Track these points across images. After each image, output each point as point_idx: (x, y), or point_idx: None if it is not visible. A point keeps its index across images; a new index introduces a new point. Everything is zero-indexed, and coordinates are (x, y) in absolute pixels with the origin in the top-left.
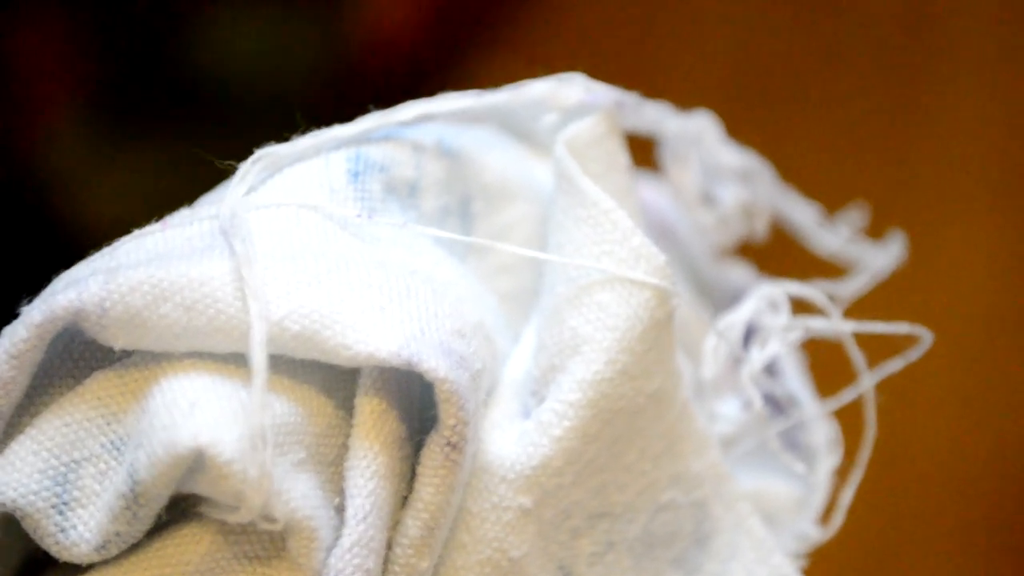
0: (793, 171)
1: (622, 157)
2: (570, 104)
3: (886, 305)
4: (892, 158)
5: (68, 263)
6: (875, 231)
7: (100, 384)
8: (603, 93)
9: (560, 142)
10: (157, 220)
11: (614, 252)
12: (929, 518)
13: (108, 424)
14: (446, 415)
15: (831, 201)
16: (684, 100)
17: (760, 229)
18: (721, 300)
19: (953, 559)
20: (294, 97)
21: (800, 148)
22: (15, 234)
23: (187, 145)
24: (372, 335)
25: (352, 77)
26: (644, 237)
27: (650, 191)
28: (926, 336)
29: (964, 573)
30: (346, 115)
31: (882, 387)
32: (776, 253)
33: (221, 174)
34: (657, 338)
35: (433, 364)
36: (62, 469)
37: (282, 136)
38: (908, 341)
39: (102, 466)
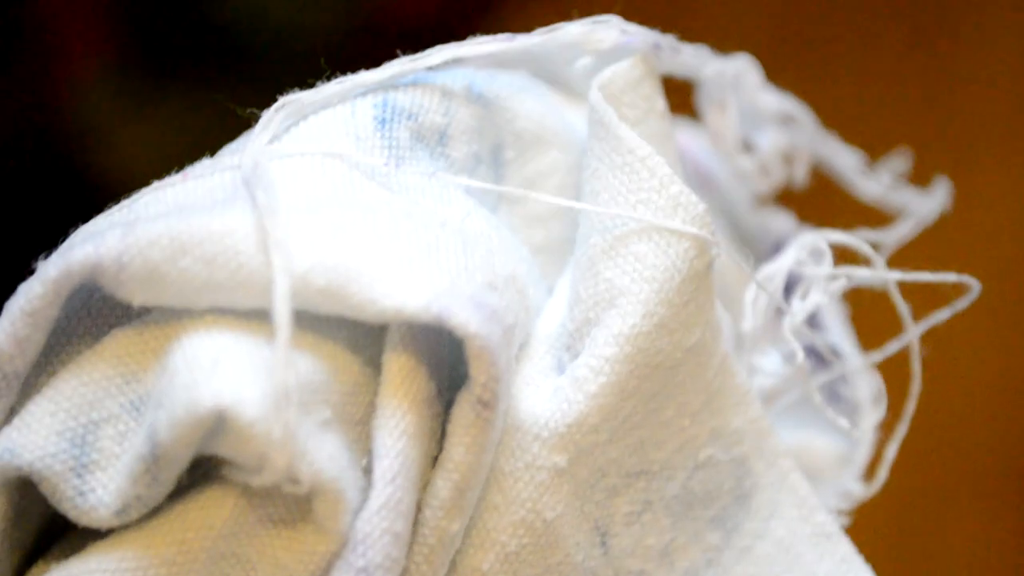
0: (830, 115)
1: (659, 101)
2: (605, 47)
3: (924, 253)
4: (929, 101)
5: (96, 214)
6: (915, 176)
7: (119, 342)
8: (639, 35)
9: (595, 87)
10: (179, 170)
11: (651, 200)
12: (967, 473)
13: (127, 383)
14: (477, 372)
15: (869, 145)
16: (722, 43)
17: (800, 175)
18: (762, 249)
19: (993, 512)
20: (320, 45)
21: (839, 92)
22: (44, 185)
23: (214, 95)
24: (400, 289)
25: (379, 23)
26: (682, 185)
27: (688, 137)
28: (974, 285)
29: (1005, 526)
30: (373, 62)
31: (925, 338)
32: (818, 200)
33: (248, 124)
34: (696, 290)
35: (464, 319)
36: (80, 431)
37: (308, 84)
38: (952, 291)
39: (121, 427)
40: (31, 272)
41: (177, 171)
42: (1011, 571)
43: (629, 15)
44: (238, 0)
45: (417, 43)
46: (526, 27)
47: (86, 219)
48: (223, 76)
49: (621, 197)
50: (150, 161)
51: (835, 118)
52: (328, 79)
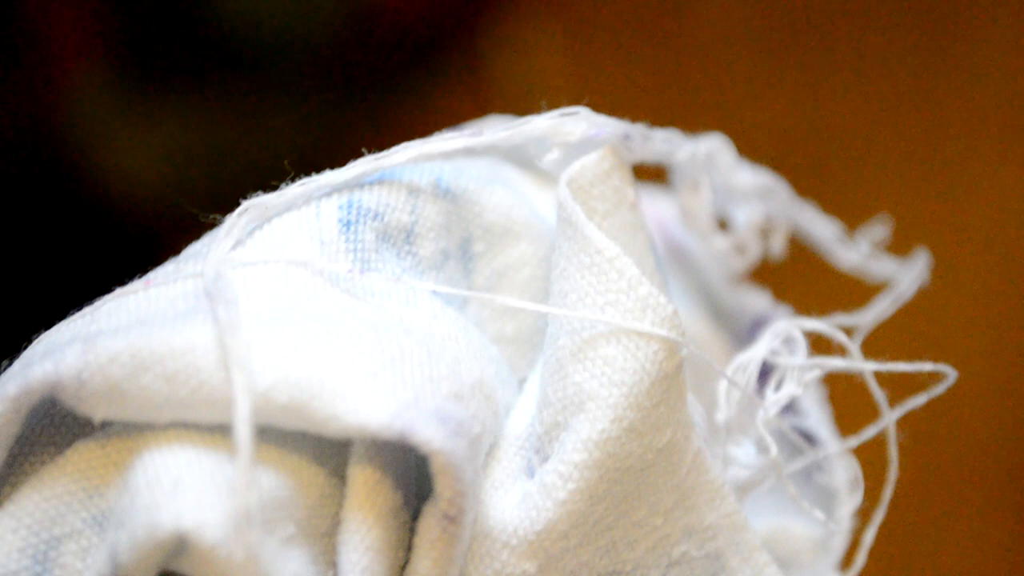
0: (824, 116)
1: (629, 192)
2: (573, 139)
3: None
4: (925, 102)
5: (91, 217)
6: (909, 170)
7: (81, 455)
8: (608, 126)
9: (563, 182)
10: (173, 177)
11: (619, 302)
12: (967, 466)
13: (90, 498)
14: (442, 487)
15: (860, 148)
16: (710, 45)
17: (779, 248)
18: (739, 326)
19: (993, 506)
20: (315, 51)
21: (833, 95)
22: (39, 188)
23: (211, 99)
24: (362, 405)
25: (374, 29)
26: (651, 286)
27: (663, 211)
28: (950, 373)
29: (1005, 519)
30: (367, 69)
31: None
32: (798, 268)
33: (245, 131)
34: (666, 391)
35: (427, 435)
36: (42, 547)
37: (303, 90)
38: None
39: (84, 543)
40: (23, 278)
41: (173, 175)
42: (1010, 565)
43: (618, 26)
44: (233, 5)
45: (411, 49)
46: (516, 32)
47: (79, 223)
48: (218, 81)
49: (589, 298)
50: (145, 166)
51: (825, 118)
52: (293, 180)
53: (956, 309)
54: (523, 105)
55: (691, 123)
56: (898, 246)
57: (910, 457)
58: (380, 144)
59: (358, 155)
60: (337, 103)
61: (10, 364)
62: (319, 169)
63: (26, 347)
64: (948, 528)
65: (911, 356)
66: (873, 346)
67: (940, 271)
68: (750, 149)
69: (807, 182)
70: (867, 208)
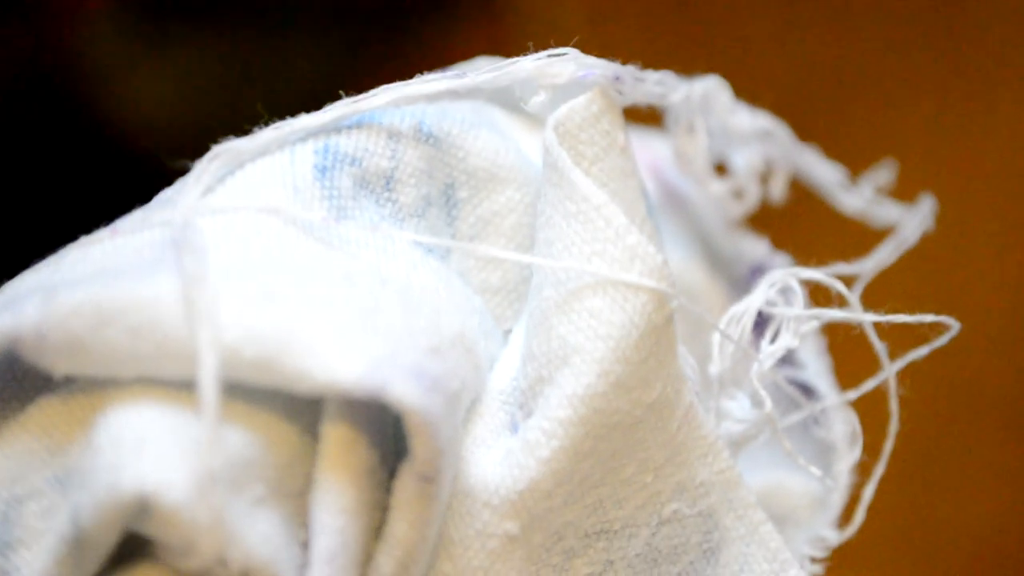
0: (835, 56)
1: (620, 136)
2: (561, 81)
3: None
4: (938, 42)
5: (105, 156)
6: (920, 112)
7: (43, 411)
8: (598, 67)
9: (549, 127)
10: (185, 112)
11: (606, 252)
12: (989, 402)
13: (52, 456)
14: (418, 447)
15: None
16: None
17: (779, 192)
18: (738, 272)
19: (1017, 441)
20: None
21: (844, 35)
22: (50, 125)
23: (225, 33)
24: (334, 361)
25: None
26: (639, 235)
27: (659, 155)
28: (953, 325)
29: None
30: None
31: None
32: (799, 213)
33: (259, 65)
34: (655, 345)
35: (402, 392)
36: (2, 507)
37: (318, 25)
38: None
39: (45, 503)
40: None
41: (187, 114)
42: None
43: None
44: None
45: None
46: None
47: (90, 159)
48: (232, 14)
49: (575, 248)
50: (156, 102)
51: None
52: (266, 124)
53: (966, 256)
54: (539, 45)
55: (701, 60)
56: (909, 191)
57: (918, 407)
58: (395, 79)
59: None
60: (352, 37)
61: None
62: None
63: None
64: (956, 481)
65: (920, 305)
66: (879, 294)
67: (952, 218)
68: (760, 91)
69: (816, 125)
70: (877, 152)
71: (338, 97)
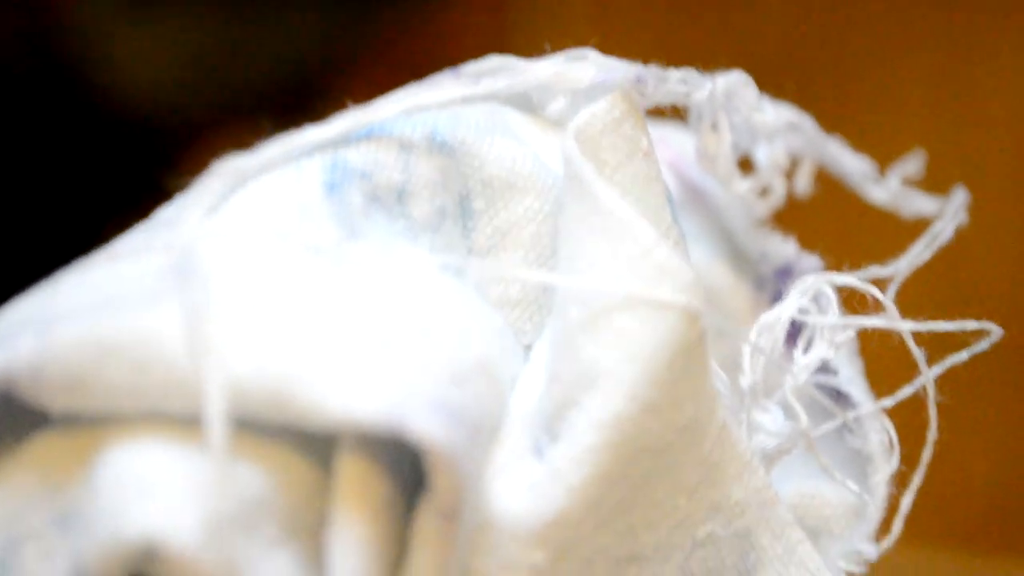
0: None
1: (643, 140)
2: (581, 86)
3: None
4: (952, 27)
5: (97, 124)
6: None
7: (42, 448)
8: (619, 70)
9: (569, 135)
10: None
11: (634, 268)
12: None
13: (52, 496)
14: (439, 483)
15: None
16: None
17: (804, 186)
18: (764, 272)
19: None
20: None
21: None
22: (42, 92)
23: (215, 9)
24: (350, 395)
25: None
26: (669, 250)
27: (682, 152)
28: (995, 331)
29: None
30: None
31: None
32: (826, 208)
33: (256, 32)
34: (687, 364)
35: (422, 428)
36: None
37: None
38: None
39: (45, 545)
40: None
41: (180, 80)
42: None
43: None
44: None
45: None
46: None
47: (83, 127)
48: None
49: (600, 264)
50: (150, 68)
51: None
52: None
53: (991, 251)
54: (542, 18)
55: (709, 49)
56: (930, 184)
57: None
58: (396, 49)
59: (369, 62)
60: (350, 9)
61: None
62: (331, 75)
63: None
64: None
65: (946, 302)
66: (903, 294)
67: (956, 175)
68: (758, 50)
69: (831, 113)
70: (878, 108)
71: (334, 67)
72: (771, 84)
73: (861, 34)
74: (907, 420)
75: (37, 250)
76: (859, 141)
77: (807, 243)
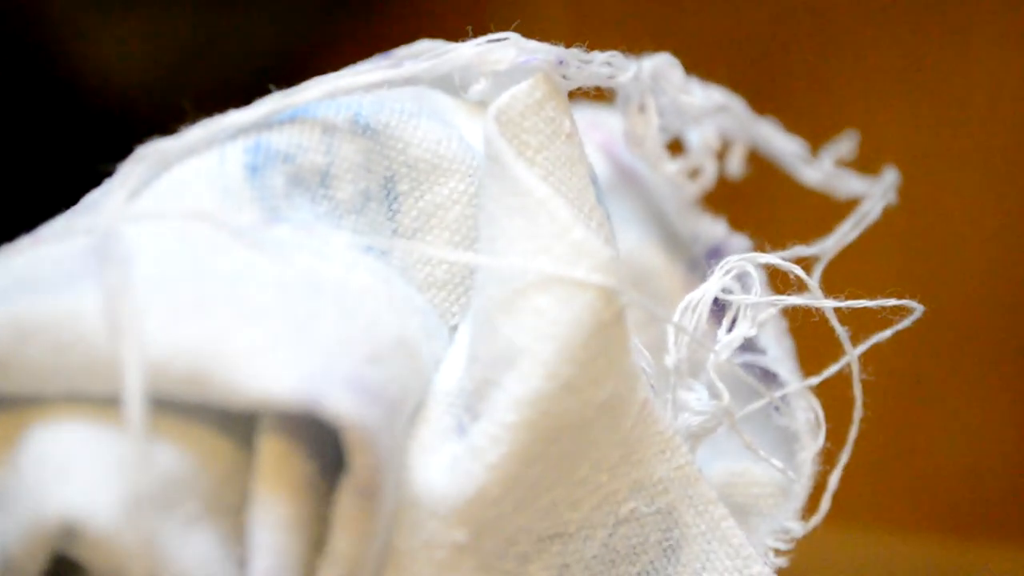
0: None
1: (566, 122)
2: (502, 68)
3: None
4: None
5: (74, 109)
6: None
7: None
8: (541, 52)
9: (490, 117)
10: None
11: (551, 248)
12: (969, 339)
13: None
14: (356, 461)
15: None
16: None
17: (736, 168)
18: (696, 253)
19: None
20: None
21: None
22: (22, 81)
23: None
24: (266, 374)
25: None
26: (585, 230)
27: (613, 132)
28: (916, 308)
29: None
30: None
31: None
32: (760, 185)
33: (232, 21)
34: (605, 343)
35: (337, 406)
36: None
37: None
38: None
39: None
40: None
41: (158, 66)
42: (1013, 436)
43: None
44: None
45: None
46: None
47: (61, 119)
48: None
49: (519, 244)
50: (128, 58)
51: None
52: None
53: (948, 200)
54: (515, 14)
55: (686, 40)
56: (886, 137)
57: (902, 346)
58: (371, 37)
59: (346, 52)
60: (324, 3)
61: None
62: (307, 66)
63: None
64: (942, 419)
65: (923, 289)
66: (849, 272)
67: (931, 165)
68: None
69: (792, 74)
70: (854, 99)
71: (310, 57)
72: (748, 76)
73: (837, 29)
74: (891, 402)
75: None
76: (839, 128)
77: (741, 221)
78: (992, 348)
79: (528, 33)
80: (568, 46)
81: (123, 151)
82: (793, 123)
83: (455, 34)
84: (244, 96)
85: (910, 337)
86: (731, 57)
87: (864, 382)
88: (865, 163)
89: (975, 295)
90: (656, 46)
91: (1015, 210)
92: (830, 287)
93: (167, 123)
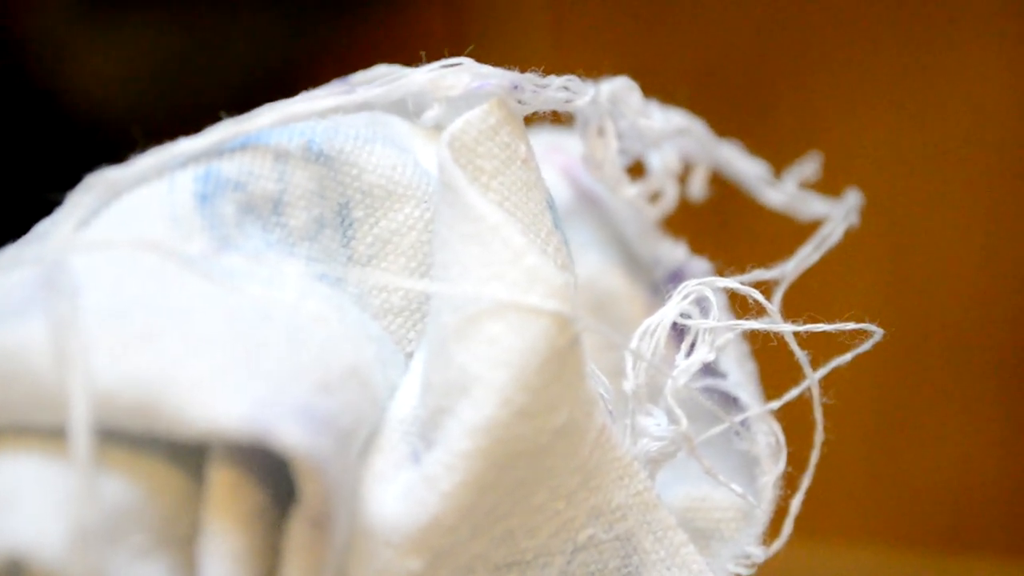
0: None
1: (521, 147)
2: (456, 93)
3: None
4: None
5: (57, 127)
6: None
7: None
8: (495, 77)
9: (444, 143)
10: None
11: (505, 274)
12: (949, 352)
13: None
14: (307, 491)
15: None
16: None
17: (698, 191)
18: (658, 277)
19: (975, 391)
20: None
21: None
22: (6, 99)
23: (177, 9)
24: (214, 405)
25: None
26: (539, 256)
27: (574, 156)
28: (876, 332)
29: (987, 404)
30: None
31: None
32: (724, 208)
33: (212, 42)
34: (559, 369)
35: (286, 437)
36: None
37: (267, 7)
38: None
39: None
40: None
41: (140, 84)
42: (996, 451)
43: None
44: None
45: None
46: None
47: (45, 133)
48: None
49: (472, 271)
50: (111, 73)
51: None
52: (143, 149)
53: (937, 206)
54: (498, 22)
55: (668, 55)
56: (872, 147)
57: (885, 359)
58: (350, 58)
59: (327, 68)
60: (308, 15)
61: None
62: (289, 82)
63: None
64: (923, 433)
65: (908, 296)
66: (833, 287)
67: (920, 171)
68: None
69: (778, 83)
70: (839, 107)
71: (289, 74)
72: (732, 88)
73: (822, 35)
74: (875, 424)
75: None
76: (822, 142)
77: (704, 245)
78: (976, 365)
79: (512, 41)
80: (551, 56)
81: (107, 164)
82: (777, 139)
83: (439, 46)
84: (227, 111)
85: (894, 354)
86: (714, 67)
87: (849, 400)
88: (847, 179)
89: (961, 312)
90: (640, 55)
91: (999, 228)
92: (812, 304)
93: (148, 138)
